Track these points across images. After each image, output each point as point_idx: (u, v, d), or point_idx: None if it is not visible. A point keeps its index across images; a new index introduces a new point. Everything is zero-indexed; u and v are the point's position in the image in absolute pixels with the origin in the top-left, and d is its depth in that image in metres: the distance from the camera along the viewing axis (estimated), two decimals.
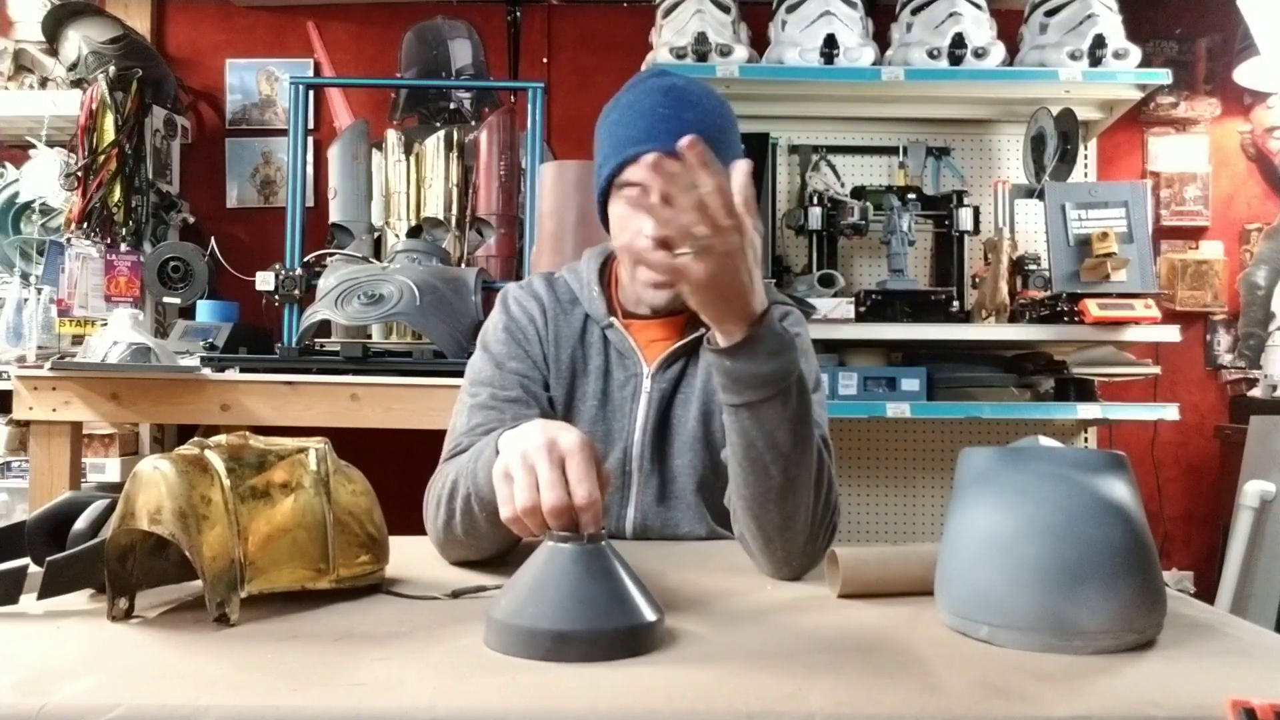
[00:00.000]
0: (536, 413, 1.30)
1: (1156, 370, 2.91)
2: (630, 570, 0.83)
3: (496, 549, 1.09)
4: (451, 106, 3.18)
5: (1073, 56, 2.89)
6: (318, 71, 3.51)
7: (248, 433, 0.92)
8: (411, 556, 1.09)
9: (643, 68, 3.01)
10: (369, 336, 2.70)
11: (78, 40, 3.15)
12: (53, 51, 3.27)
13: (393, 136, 2.95)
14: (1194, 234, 3.54)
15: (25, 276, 3.17)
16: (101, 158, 3.02)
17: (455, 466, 1.12)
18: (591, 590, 0.79)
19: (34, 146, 3.19)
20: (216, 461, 0.86)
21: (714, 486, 1.36)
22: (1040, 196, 2.94)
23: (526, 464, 0.87)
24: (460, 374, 2.30)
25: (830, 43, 2.90)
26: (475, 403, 1.31)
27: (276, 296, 2.62)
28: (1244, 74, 3.24)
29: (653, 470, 1.36)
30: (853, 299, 2.82)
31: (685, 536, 1.35)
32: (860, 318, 2.81)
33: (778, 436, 1.00)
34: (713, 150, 1.23)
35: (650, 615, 0.80)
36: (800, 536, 1.05)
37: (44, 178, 3.15)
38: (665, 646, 0.79)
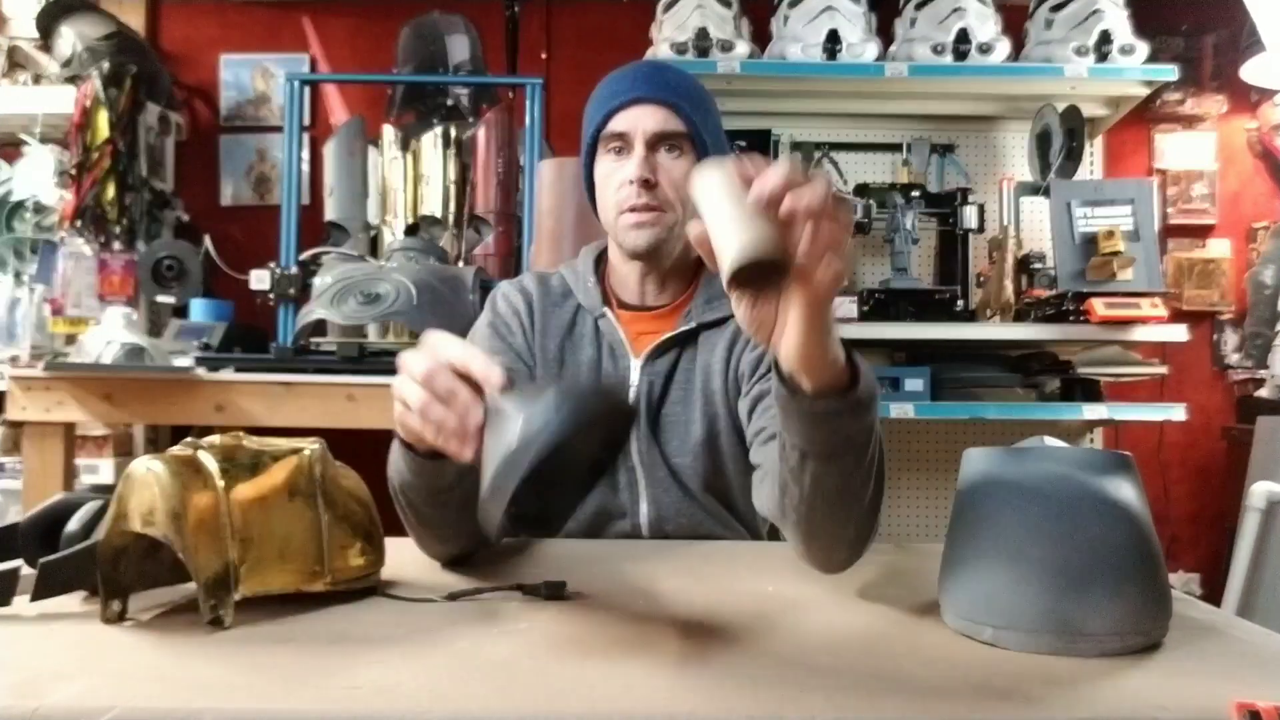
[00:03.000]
0: None
1: (1163, 370, 2.89)
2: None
3: (462, 534, 1.05)
4: (449, 103, 3.16)
5: (1079, 52, 2.89)
6: (313, 67, 3.49)
7: (241, 433, 0.91)
8: (408, 558, 1.07)
9: None
10: (365, 336, 2.68)
11: (71, 37, 3.15)
12: (46, 48, 3.27)
13: (389, 133, 2.93)
14: (1201, 232, 3.53)
15: (18, 275, 3.16)
16: (95, 155, 3.01)
17: (389, 468, 1.11)
18: (545, 393, 0.77)
19: (27, 144, 3.17)
20: (210, 462, 0.85)
21: (724, 488, 1.35)
22: (1046, 194, 2.92)
23: (410, 387, 0.85)
24: None
25: (833, 38, 2.89)
26: None
27: (271, 295, 2.61)
28: (1250, 71, 3.23)
29: (656, 464, 1.33)
30: (856, 298, 2.80)
31: (708, 536, 1.32)
32: (863, 317, 2.80)
33: (856, 477, 0.91)
34: (695, 106, 1.34)
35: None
36: (863, 531, 0.97)
37: (37, 175, 3.14)
38: (666, 649, 0.77)
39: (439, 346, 0.85)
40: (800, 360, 0.83)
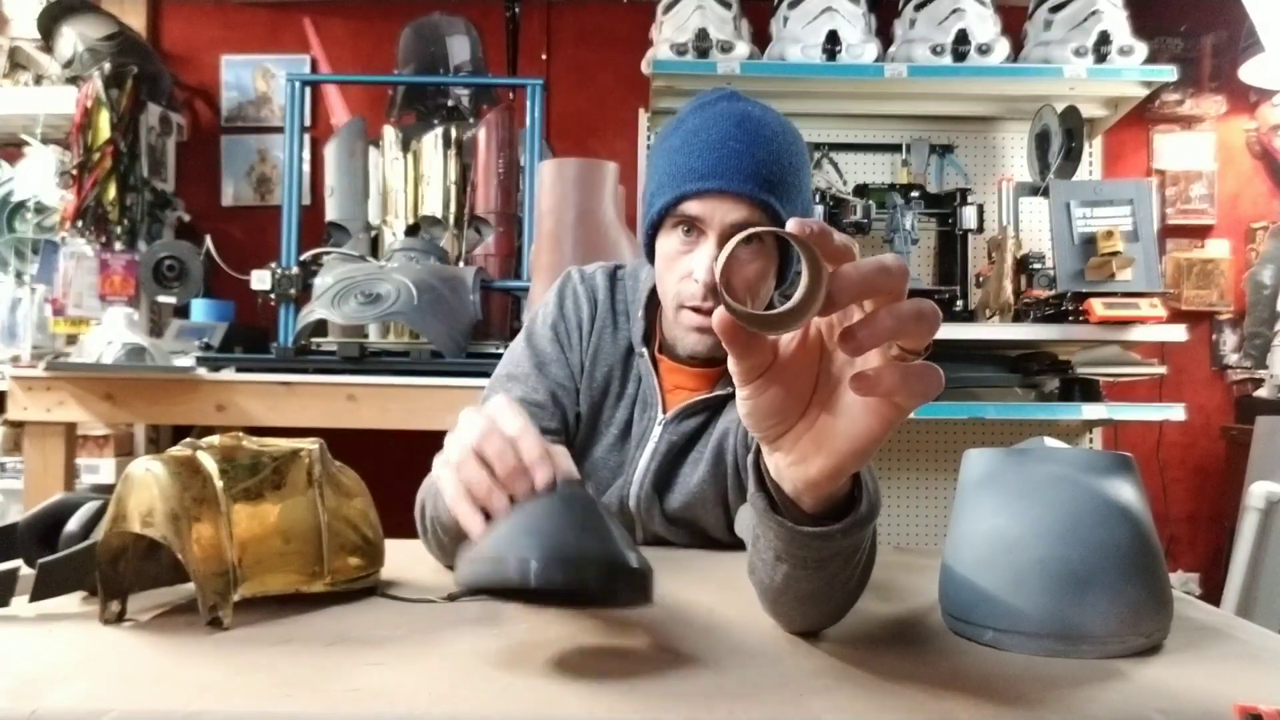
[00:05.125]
0: (556, 425, 1.25)
1: (1162, 370, 2.88)
2: (617, 524, 0.74)
3: None
4: (449, 103, 3.16)
5: (1078, 53, 2.90)
6: (314, 68, 3.49)
7: (241, 434, 0.91)
8: (407, 559, 1.07)
9: (643, 65, 2.99)
10: (366, 336, 2.68)
11: (73, 37, 3.14)
12: (48, 49, 3.26)
13: (390, 134, 2.93)
14: (1200, 232, 3.54)
15: (19, 276, 3.16)
16: (96, 155, 3.01)
17: (425, 485, 1.07)
18: (570, 523, 0.69)
19: (28, 144, 3.17)
20: (209, 463, 0.85)
21: (726, 526, 1.27)
22: (1045, 194, 2.92)
23: (460, 443, 0.75)
24: (457, 374, 2.33)
25: (832, 39, 2.90)
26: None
27: (272, 296, 2.60)
28: (1249, 71, 3.23)
29: (654, 518, 1.27)
30: None
31: None
32: None
33: (838, 580, 0.75)
34: (785, 196, 1.16)
35: (633, 560, 0.70)
36: (837, 615, 0.83)
37: (39, 176, 3.14)
38: (666, 651, 0.77)
39: (499, 419, 0.77)
40: (814, 484, 0.65)
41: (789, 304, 0.57)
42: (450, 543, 0.92)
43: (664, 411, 1.27)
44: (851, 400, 0.61)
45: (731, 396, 1.20)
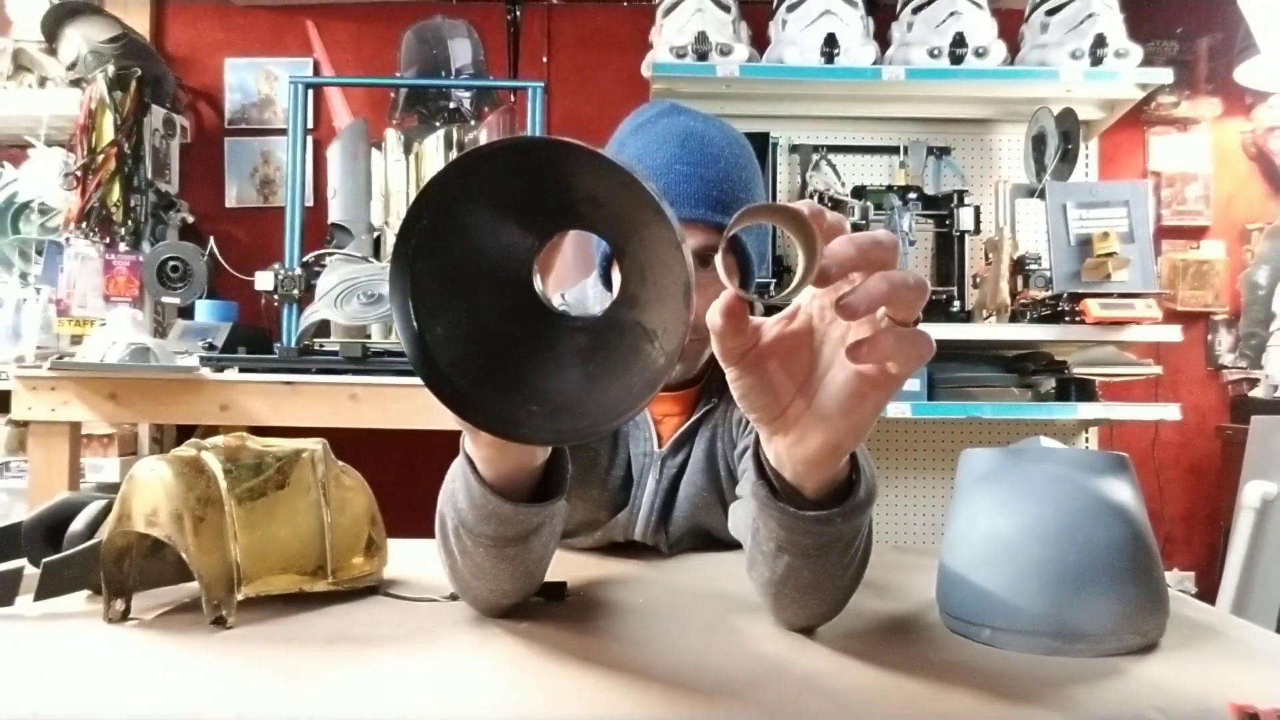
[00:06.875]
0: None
1: (1158, 370, 2.89)
2: None
3: (518, 587, 0.85)
4: (451, 106, 3.17)
5: (1074, 56, 2.90)
6: (317, 71, 3.51)
7: (245, 434, 0.91)
8: (409, 558, 1.07)
9: (643, 67, 3.00)
10: (368, 336, 2.69)
11: (77, 39, 3.15)
12: (52, 51, 3.26)
13: (392, 136, 2.94)
14: (1195, 234, 3.55)
15: (24, 276, 3.17)
16: (100, 157, 3.02)
17: (441, 499, 0.93)
18: None
19: (33, 146, 3.18)
20: (213, 463, 0.85)
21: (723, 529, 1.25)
22: (1041, 196, 2.93)
23: None
24: None
25: (831, 42, 2.90)
26: None
27: (275, 296, 2.61)
28: (1244, 73, 3.24)
29: (660, 544, 1.24)
30: None
31: None
32: None
33: (837, 569, 0.76)
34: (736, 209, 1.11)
35: None
36: (837, 607, 0.83)
37: (43, 177, 3.15)
38: (665, 650, 0.77)
39: None
40: (814, 464, 0.67)
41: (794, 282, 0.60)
42: (483, 552, 0.80)
43: (659, 446, 1.24)
44: (846, 377, 0.63)
45: (711, 410, 1.23)
